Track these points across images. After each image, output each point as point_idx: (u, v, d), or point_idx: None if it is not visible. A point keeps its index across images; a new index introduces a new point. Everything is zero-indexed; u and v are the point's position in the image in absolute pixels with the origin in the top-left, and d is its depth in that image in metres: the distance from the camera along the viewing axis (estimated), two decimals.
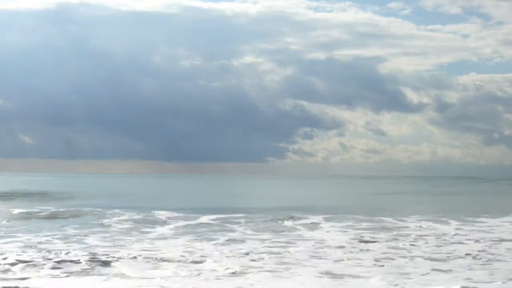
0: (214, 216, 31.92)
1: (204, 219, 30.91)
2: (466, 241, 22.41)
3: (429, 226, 28.28)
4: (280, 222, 29.92)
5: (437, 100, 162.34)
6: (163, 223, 29.23)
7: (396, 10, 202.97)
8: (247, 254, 18.62)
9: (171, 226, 27.56)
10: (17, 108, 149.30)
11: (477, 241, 22.54)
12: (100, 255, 17.71)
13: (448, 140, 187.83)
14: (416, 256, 18.47)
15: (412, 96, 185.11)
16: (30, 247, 19.58)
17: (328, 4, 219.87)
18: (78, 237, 22.93)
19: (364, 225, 28.48)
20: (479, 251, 19.72)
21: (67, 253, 17.99)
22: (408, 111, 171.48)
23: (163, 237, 23.22)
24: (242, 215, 33.02)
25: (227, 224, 28.41)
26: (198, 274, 15.17)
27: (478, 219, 31.72)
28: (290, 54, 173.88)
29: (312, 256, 18.52)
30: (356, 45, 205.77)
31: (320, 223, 29.12)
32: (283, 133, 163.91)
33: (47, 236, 22.94)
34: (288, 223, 29.47)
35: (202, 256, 17.97)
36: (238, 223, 29.08)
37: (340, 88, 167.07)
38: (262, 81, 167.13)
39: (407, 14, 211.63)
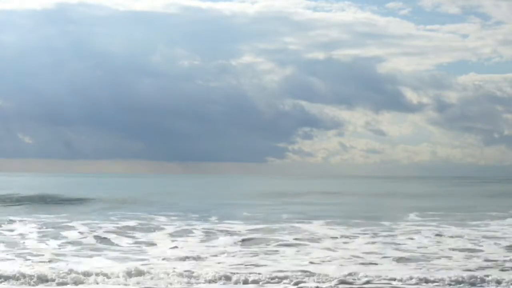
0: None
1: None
2: (453, 242, 22.17)
3: (421, 226, 28.03)
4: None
5: (436, 100, 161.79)
6: None
7: (394, 10, 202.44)
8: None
9: None
10: (16, 108, 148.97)
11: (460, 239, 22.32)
12: None
13: (448, 140, 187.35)
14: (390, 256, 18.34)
15: (411, 96, 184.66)
16: None
17: (326, 4, 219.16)
18: None
19: (356, 224, 28.24)
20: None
21: None
22: (408, 111, 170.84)
23: None
24: None
25: None
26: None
27: (474, 222, 31.44)
28: (289, 54, 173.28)
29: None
30: (355, 45, 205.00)
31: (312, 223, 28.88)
32: (283, 133, 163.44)
33: None
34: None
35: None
36: None
37: (340, 88, 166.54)
38: (261, 81, 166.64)
39: (405, 14, 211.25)
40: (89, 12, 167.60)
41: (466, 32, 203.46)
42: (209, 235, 24.08)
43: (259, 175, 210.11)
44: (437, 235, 24.33)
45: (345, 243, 21.83)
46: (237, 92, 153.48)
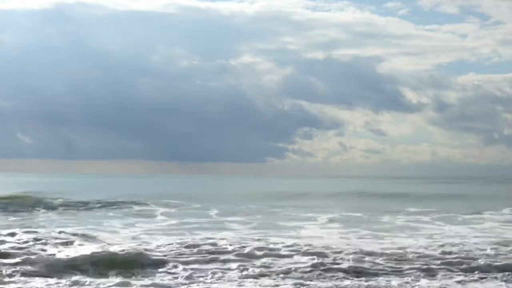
0: None
1: None
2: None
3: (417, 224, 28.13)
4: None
5: (436, 100, 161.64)
6: None
7: (393, 9, 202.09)
8: None
9: None
10: (15, 108, 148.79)
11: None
12: None
13: (448, 140, 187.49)
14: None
15: (411, 96, 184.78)
16: None
17: (325, 4, 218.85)
18: None
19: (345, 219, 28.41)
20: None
21: None
22: (407, 111, 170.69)
23: None
24: None
25: None
26: None
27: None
28: (288, 53, 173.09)
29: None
30: (354, 44, 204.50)
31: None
32: (282, 133, 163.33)
33: None
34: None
35: None
36: None
37: (339, 88, 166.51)
38: (260, 81, 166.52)
39: (404, 14, 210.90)
40: (88, 12, 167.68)
41: (465, 32, 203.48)
42: None
43: (259, 175, 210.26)
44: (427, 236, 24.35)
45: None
46: (237, 92, 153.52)
